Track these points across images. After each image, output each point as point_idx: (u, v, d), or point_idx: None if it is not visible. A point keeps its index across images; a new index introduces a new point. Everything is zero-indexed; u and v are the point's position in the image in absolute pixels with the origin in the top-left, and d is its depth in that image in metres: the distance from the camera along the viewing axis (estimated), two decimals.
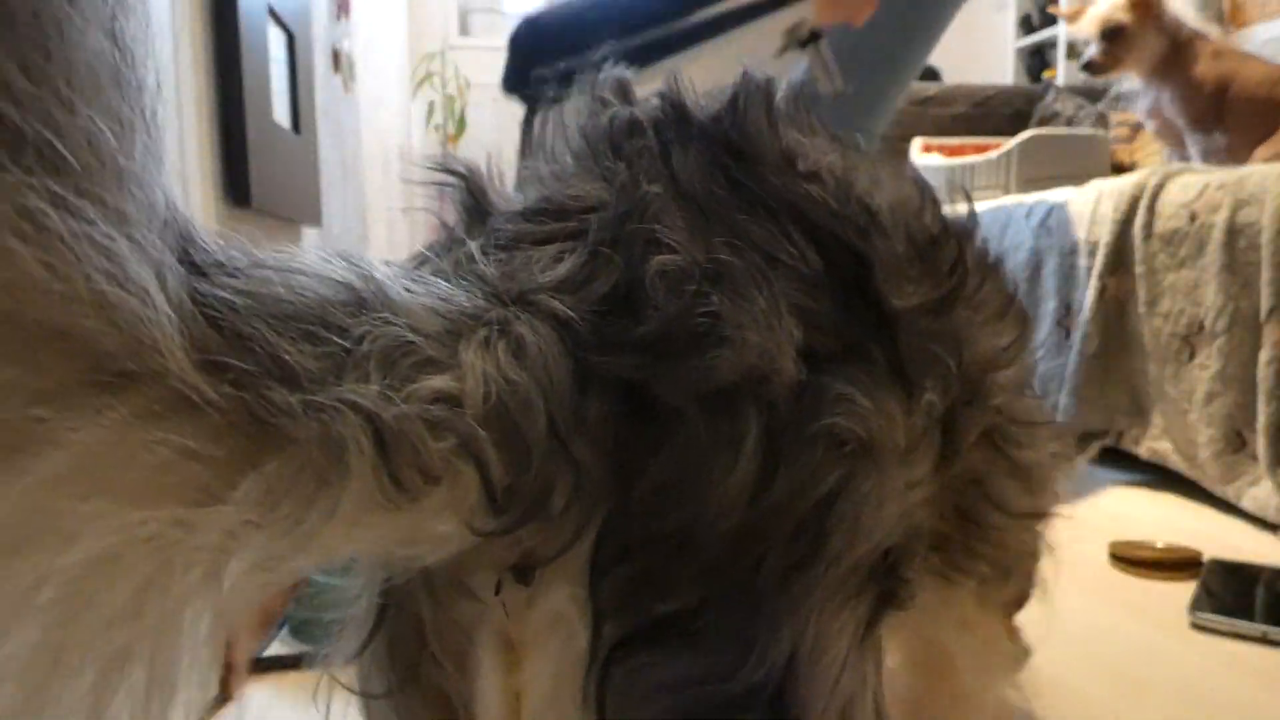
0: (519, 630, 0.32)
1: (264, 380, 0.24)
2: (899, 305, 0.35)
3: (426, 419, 0.26)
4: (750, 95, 0.37)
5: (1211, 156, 1.79)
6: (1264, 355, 1.18)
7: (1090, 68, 1.94)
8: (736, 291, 0.30)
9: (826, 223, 0.35)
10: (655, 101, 0.38)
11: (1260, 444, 1.19)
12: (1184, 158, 1.91)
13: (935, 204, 0.43)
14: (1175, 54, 1.83)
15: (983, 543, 0.47)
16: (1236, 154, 1.74)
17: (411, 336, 0.27)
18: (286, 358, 0.25)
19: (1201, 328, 1.33)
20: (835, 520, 0.30)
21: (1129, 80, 1.97)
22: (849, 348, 0.33)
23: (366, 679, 0.36)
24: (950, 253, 0.40)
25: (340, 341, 0.26)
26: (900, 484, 0.34)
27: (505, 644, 0.33)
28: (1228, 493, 1.26)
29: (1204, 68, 1.80)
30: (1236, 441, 1.26)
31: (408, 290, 0.28)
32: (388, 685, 0.35)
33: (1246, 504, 1.22)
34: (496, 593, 0.31)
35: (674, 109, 0.37)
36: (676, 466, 0.29)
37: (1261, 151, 1.68)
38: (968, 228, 0.45)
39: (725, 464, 0.29)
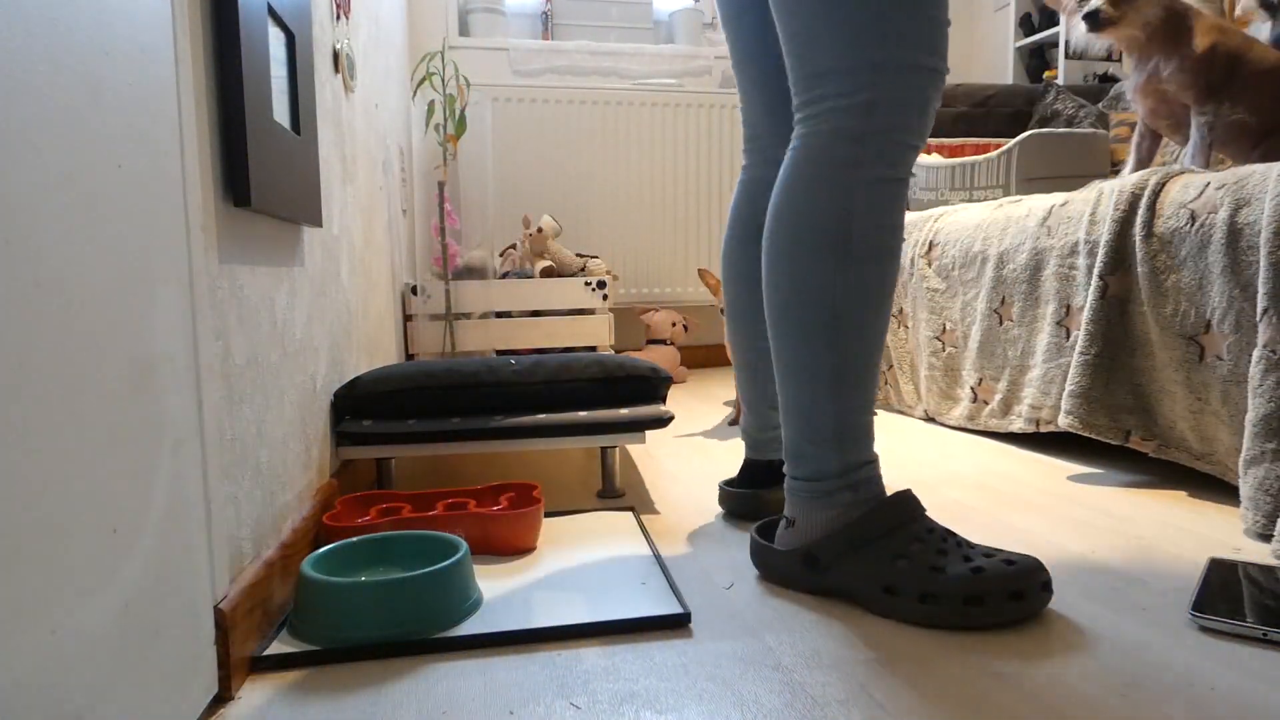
0: None
1: None
2: None
3: None
4: None
5: (1221, 131, 1.71)
6: (1255, 354, 1.19)
7: (1093, 18, 1.83)
8: None
9: None
10: None
11: (1244, 440, 1.19)
12: (1176, 142, 1.85)
13: None
14: (1171, 23, 1.77)
15: None
16: (1247, 126, 1.69)
17: None
18: None
19: (1209, 327, 1.33)
20: None
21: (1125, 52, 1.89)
22: None
23: None
24: None
25: None
26: None
27: None
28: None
29: (1205, 39, 1.73)
30: None
31: None
32: None
33: None
34: None
35: None
36: None
37: None
38: None
39: None
